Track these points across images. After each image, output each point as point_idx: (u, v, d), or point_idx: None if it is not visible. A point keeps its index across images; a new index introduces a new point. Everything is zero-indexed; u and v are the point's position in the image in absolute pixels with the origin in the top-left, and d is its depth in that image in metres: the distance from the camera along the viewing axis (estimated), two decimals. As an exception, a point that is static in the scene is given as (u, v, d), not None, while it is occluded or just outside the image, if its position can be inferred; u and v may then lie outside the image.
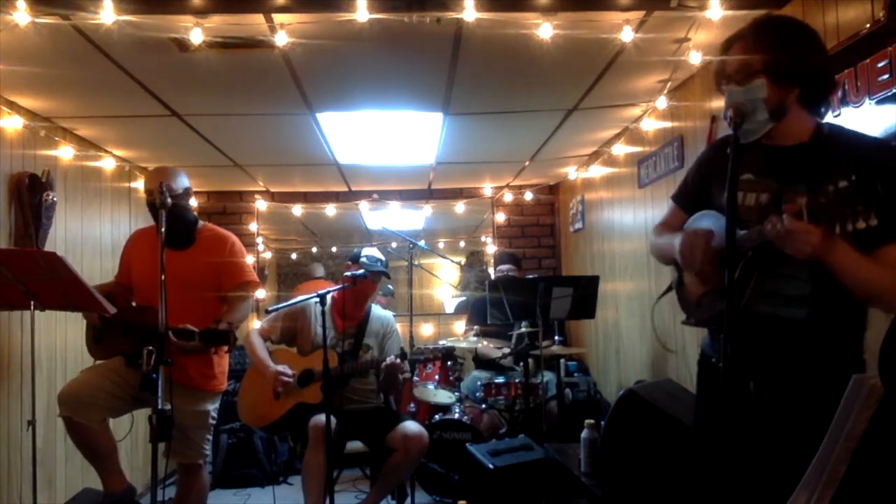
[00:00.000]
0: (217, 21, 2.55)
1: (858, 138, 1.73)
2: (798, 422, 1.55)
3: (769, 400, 1.64)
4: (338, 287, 3.40)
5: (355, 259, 3.67)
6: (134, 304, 3.15)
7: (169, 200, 2.62)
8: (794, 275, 1.62)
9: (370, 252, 3.71)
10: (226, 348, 3.09)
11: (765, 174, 1.67)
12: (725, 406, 1.45)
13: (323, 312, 3.05)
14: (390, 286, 5.66)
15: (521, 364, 4.27)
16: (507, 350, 4.63)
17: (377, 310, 3.81)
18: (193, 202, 5.79)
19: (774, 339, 1.65)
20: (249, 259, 5.80)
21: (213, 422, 3.16)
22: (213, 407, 3.13)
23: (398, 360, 3.45)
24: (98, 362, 3.06)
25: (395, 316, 3.94)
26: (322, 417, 3.05)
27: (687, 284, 1.80)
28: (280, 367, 3.45)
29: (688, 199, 1.92)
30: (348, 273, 3.52)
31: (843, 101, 2.19)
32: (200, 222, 3.21)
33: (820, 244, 1.45)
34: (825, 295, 1.59)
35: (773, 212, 1.56)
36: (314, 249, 6.45)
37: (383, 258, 3.73)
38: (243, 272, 3.15)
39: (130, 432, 3.22)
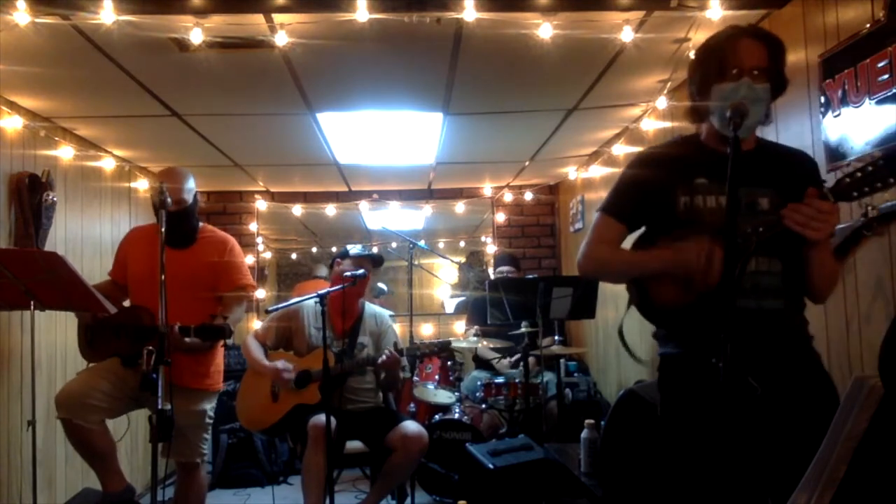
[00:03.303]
0: (217, 21, 2.55)
1: (788, 147, 1.91)
2: (805, 409, 1.62)
3: (774, 392, 1.66)
4: (337, 287, 3.39)
5: (343, 253, 3.69)
6: (127, 304, 3.15)
7: (170, 201, 2.62)
8: (769, 272, 1.71)
9: (358, 245, 3.76)
10: (221, 343, 3.13)
11: (721, 178, 1.63)
12: (732, 405, 1.45)
13: (323, 312, 3.05)
14: (383, 287, 5.64)
15: (521, 364, 4.27)
16: (505, 360, 4.64)
17: (370, 307, 3.81)
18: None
19: (760, 329, 1.70)
20: (249, 259, 5.85)
21: (210, 421, 3.16)
22: (209, 406, 3.13)
23: (395, 354, 3.44)
24: (96, 364, 3.04)
25: (394, 316, 3.94)
26: (321, 417, 3.05)
27: (661, 295, 1.77)
28: (280, 363, 3.45)
29: (628, 211, 1.86)
30: (348, 273, 3.50)
31: (843, 101, 2.19)
32: (201, 223, 3.25)
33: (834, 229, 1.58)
34: (791, 289, 1.73)
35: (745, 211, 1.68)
36: (314, 249, 6.45)
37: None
38: (241, 275, 3.17)
39: (128, 430, 3.22)
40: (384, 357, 3.42)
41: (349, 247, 3.74)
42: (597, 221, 1.90)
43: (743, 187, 1.68)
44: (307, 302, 3.38)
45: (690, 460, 1.70)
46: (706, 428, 1.53)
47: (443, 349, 3.63)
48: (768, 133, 1.84)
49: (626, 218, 1.86)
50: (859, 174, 1.47)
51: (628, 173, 1.89)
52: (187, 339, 2.77)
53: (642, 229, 1.88)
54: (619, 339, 2.21)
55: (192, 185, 3.12)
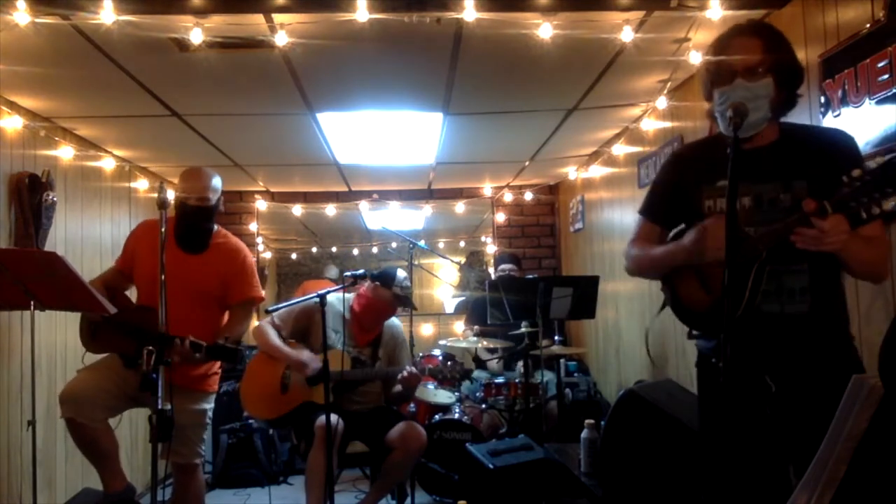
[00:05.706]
0: (217, 21, 2.55)
1: (819, 131, 1.84)
2: (818, 406, 1.57)
3: (789, 391, 1.67)
4: (337, 288, 3.37)
5: (388, 279, 3.55)
6: (136, 302, 3.14)
7: (170, 200, 2.60)
8: (796, 270, 1.67)
9: (403, 276, 3.62)
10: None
11: (743, 178, 1.66)
12: (730, 403, 1.45)
13: (323, 314, 3.03)
14: None
15: (521, 364, 4.27)
16: (500, 354, 4.63)
17: (390, 319, 3.79)
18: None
19: (782, 333, 1.69)
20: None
21: (209, 422, 3.14)
22: (209, 406, 3.11)
23: (416, 371, 3.42)
24: (95, 362, 3.02)
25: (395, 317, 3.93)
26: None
27: (688, 296, 1.79)
28: (305, 354, 3.40)
29: (661, 211, 1.91)
30: (348, 273, 3.46)
31: (843, 101, 2.19)
32: (216, 227, 3.16)
33: (848, 233, 1.50)
34: (820, 287, 1.69)
35: (758, 213, 1.66)
36: (314, 249, 6.45)
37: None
38: (251, 287, 3.12)
39: (128, 429, 3.22)
40: (405, 374, 3.39)
41: (399, 273, 3.57)
42: (636, 223, 1.99)
43: (763, 184, 1.69)
44: (331, 302, 3.34)
45: (721, 455, 1.69)
46: (734, 424, 1.54)
47: (464, 376, 3.58)
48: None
49: (657, 218, 1.93)
50: (858, 184, 1.43)
51: (660, 174, 1.97)
52: (197, 355, 2.74)
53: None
54: (644, 341, 2.24)
55: (216, 185, 3.01)
